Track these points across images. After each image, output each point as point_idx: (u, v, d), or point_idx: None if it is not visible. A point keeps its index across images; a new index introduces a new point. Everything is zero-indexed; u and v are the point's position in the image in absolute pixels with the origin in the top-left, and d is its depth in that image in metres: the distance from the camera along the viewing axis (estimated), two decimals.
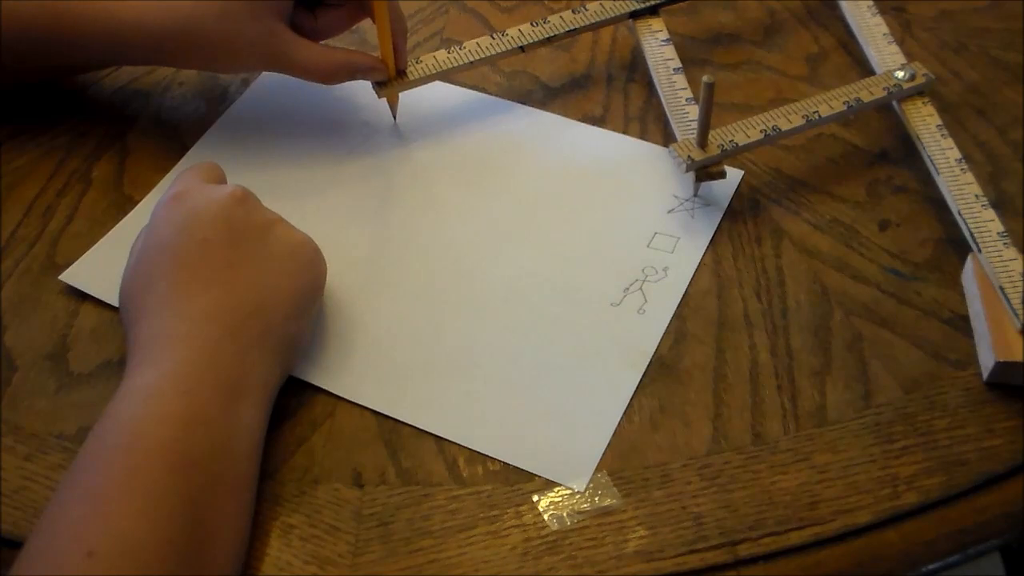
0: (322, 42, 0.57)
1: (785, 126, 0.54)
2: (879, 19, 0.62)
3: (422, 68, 0.58)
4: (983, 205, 0.52)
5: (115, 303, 0.49)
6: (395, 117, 0.60)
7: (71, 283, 0.52)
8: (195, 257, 0.45)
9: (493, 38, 0.59)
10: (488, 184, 0.57)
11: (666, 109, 0.57)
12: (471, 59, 0.58)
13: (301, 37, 0.55)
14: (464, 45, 0.59)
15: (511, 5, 0.68)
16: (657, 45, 0.60)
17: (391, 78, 0.58)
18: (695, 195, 0.55)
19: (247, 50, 0.54)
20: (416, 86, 0.58)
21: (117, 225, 0.55)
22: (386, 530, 0.44)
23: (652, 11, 0.62)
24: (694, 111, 0.56)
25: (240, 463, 0.42)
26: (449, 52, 0.58)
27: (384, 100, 0.59)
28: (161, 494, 0.39)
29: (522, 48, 0.59)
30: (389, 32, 0.55)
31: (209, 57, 0.55)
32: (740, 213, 0.56)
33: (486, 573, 0.43)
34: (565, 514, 0.44)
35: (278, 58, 0.55)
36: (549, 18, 0.60)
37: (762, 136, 0.54)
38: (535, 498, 0.45)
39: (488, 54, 0.59)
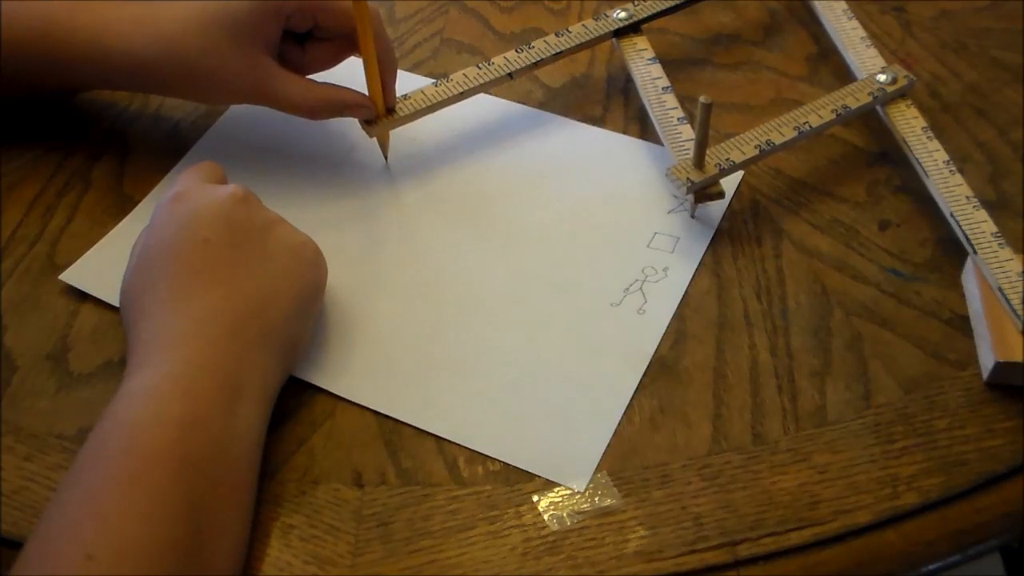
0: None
1: (778, 139, 0.54)
2: (855, 23, 0.61)
3: (411, 104, 0.57)
4: (975, 206, 0.52)
5: (115, 303, 0.49)
6: (386, 157, 0.58)
7: (71, 283, 0.52)
8: (196, 257, 0.45)
9: (480, 68, 0.58)
10: (488, 184, 0.57)
11: (658, 130, 0.57)
12: (460, 90, 0.57)
13: (287, 71, 0.54)
14: (451, 77, 0.58)
15: (511, 5, 0.68)
16: (644, 64, 0.60)
17: (379, 116, 0.56)
18: (692, 216, 0.55)
19: (230, 81, 0.53)
20: (405, 123, 0.57)
21: (117, 225, 0.55)
22: (386, 530, 0.44)
23: (635, 28, 0.61)
24: (687, 131, 0.56)
25: (240, 464, 0.42)
26: (437, 86, 0.58)
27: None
28: (161, 496, 0.39)
29: (510, 75, 0.59)
30: (377, 69, 0.54)
31: (193, 87, 0.54)
32: (740, 213, 0.56)
33: (486, 573, 0.43)
34: (565, 514, 0.44)
35: (262, 91, 0.54)
36: (534, 43, 0.59)
37: (757, 152, 0.54)
38: (535, 498, 0.45)
39: (476, 84, 0.58)
